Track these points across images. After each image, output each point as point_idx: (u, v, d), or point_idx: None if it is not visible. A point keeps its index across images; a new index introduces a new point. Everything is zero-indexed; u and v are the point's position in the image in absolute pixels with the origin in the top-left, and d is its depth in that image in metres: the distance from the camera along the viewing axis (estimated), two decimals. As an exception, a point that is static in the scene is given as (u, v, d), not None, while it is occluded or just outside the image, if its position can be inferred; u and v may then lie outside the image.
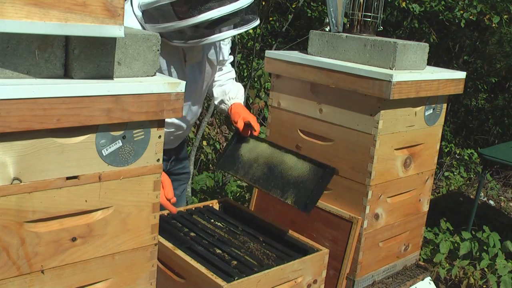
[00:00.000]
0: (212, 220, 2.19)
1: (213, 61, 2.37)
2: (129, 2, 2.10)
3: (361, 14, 2.31)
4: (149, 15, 2.03)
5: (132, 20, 2.04)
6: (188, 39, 2.01)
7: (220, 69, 2.52)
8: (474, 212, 4.59)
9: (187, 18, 1.91)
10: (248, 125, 2.27)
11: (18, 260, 1.26)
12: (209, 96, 2.70)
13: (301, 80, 2.29)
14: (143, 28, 2.05)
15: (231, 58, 2.59)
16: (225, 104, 2.43)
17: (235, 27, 2.04)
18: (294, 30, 7.24)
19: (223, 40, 2.24)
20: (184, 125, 2.40)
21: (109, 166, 1.36)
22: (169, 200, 1.84)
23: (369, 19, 2.32)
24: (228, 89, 2.47)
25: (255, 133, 2.28)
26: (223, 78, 2.54)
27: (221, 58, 2.44)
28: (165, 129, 2.32)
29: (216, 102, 2.51)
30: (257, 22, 2.10)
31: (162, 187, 1.80)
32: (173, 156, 2.57)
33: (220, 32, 2.02)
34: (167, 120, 2.29)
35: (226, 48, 2.44)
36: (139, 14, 2.04)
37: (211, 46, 2.31)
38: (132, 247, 1.46)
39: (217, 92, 2.50)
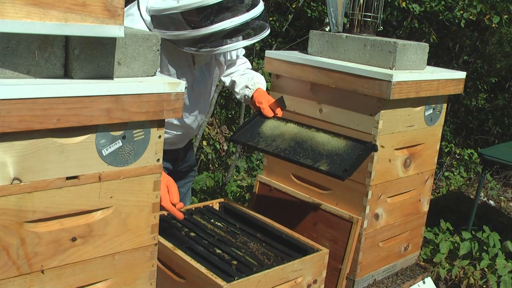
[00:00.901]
0: (212, 220, 2.19)
1: (221, 62, 2.37)
2: (135, 6, 2.07)
3: (361, 14, 2.31)
4: (158, 21, 2.00)
5: (140, 25, 2.01)
6: (200, 48, 1.98)
7: (233, 64, 2.52)
8: (474, 212, 4.59)
9: (200, 28, 1.89)
10: (272, 108, 2.28)
11: (18, 260, 1.26)
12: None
13: (301, 80, 2.29)
14: (149, 29, 2.02)
15: (243, 50, 2.59)
16: (249, 89, 2.41)
17: (247, 37, 2.03)
18: (294, 30, 7.24)
19: (235, 50, 2.23)
20: (193, 124, 2.40)
21: (109, 166, 1.36)
22: (174, 205, 1.79)
23: (369, 19, 2.32)
24: (251, 76, 2.47)
25: (279, 116, 2.28)
26: (241, 68, 2.54)
27: (228, 58, 2.44)
28: (175, 132, 2.34)
29: (237, 89, 2.48)
30: (268, 31, 2.08)
31: (167, 192, 1.77)
32: (181, 155, 2.57)
33: (232, 42, 2.01)
34: (177, 122, 2.30)
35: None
36: (148, 18, 2.01)
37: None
38: (132, 247, 1.46)
39: (239, 79, 2.48)
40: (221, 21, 1.87)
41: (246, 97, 2.44)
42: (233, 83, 2.50)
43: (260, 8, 1.98)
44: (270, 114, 2.28)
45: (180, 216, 1.82)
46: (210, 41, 1.96)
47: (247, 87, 2.43)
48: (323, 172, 1.94)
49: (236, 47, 2.04)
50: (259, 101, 2.33)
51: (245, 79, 2.46)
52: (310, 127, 2.16)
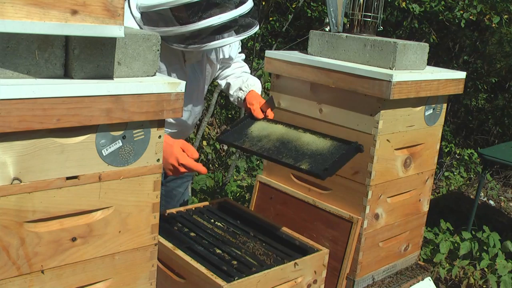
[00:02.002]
0: (212, 220, 2.19)
1: (212, 60, 2.38)
2: (126, 3, 2.08)
3: (361, 14, 2.31)
4: (148, 17, 2.02)
5: (131, 22, 2.02)
6: (189, 44, 2.00)
7: (228, 66, 2.52)
8: (474, 212, 4.59)
9: (188, 24, 1.91)
10: (263, 110, 2.27)
11: (18, 260, 1.26)
12: (209, 96, 2.71)
13: (301, 80, 2.29)
14: (140, 27, 2.04)
15: (243, 55, 2.59)
16: (243, 91, 2.41)
17: (235, 33, 2.05)
18: (294, 30, 7.24)
19: (223, 46, 2.24)
20: (189, 121, 2.41)
21: (109, 166, 1.36)
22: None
23: (369, 19, 2.32)
24: (245, 78, 2.47)
25: (270, 117, 2.26)
26: (238, 71, 2.54)
27: (221, 57, 2.44)
28: (169, 129, 2.34)
29: (231, 91, 2.48)
30: (257, 28, 2.10)
31: (183, 151, 1.79)
32: None
33: (220, 38, 2.02)
34: (171, 120, 2.31)
35: (226, 46, 2.43)
36: (138, 15, 2.03)
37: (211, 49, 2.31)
38: (132, 247, 1.46)
39: (234, 82, 2.48)
40: (209, 17, 1.89)
41: (239, 99, 2.44)
42: (228, 85, 2.51)
43: (248, 5, 2.00)
44: (260, 115, 2.28)
45: (204, 170, 1.81)
46: (198, 37, 1.98)
47: (240, 89, 2.43)
48: (304, 171, 1.91)
49: (224, 44, 2.06)
50: (250, 102, 2.33)
51: (240, 81, 2.47)
52: (298, 128, 2.14)
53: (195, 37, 1.98)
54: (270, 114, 2.29)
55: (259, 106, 2.30)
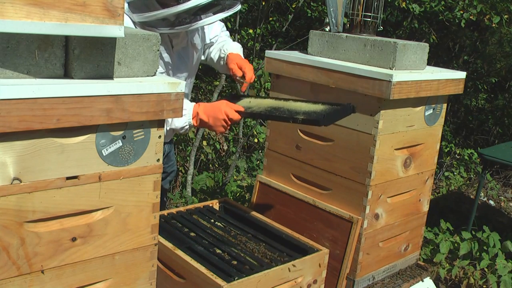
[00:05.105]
0: (212, 220, 2.19)
1: (197, 46, 2.40)
2: None
3: (361, 14, 2.31)
4: (135, 5, 2.07)
5: None
6: (176, 25, 2.05)
7: (211, 45, 2.54)
8: (474, 212, 4.59)
9: (176, 5, 1.95)
10: (240, 73, 2.28)
11: (18, 260, 1.26)
12: (209, 96, 2.70)
13: (301, 80, 2.29)
14: (130, 19, 2.07)
15: (227, 33, 2.59)
16: (223, 52, 2.41)
17: (220, 11, 2.09)
18: (294, 30, 7.24)
19: (210, 24, 2.27)
20: None
21: (109, 166, 1.36)
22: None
23: (369, 19, 2.32)
24: (222, 43, 2.48)
25: (246, 81, 2.26)
26: (220, 42, 2.56)
27: (207, 42, 2.48)
28: None
29: (215, 60, 2.49)
30: (239, 6, 2.15)
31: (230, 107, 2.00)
32: (166, 150, 2.58)
33: (206, 17, 2.07)
34: None
35: (208, 31, 2.46)
36: (125, 6, 2.07)
37: (195, 32, 2.34)
38: (132, 247, 1.46)
39: (214, 52, 2.50)
40: None
41: (223, 68, 2.44)
42: (211, 61, 2.53)
43: None
44: (239, 73, 2.27)
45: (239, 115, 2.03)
46: (185, 18, 2.03)
47: (220, 57, 2.44)
48: (299, 120, 1.88)
49: (210, 21, 2.09)
50: (229, 67, 2.33)
51: (218, 50, 2.47)
52: (287, 99, 2.11)
53: (182, 18, 2.03)
54: (249, 72, 2.27)
55: (237, 66, 2.30)
